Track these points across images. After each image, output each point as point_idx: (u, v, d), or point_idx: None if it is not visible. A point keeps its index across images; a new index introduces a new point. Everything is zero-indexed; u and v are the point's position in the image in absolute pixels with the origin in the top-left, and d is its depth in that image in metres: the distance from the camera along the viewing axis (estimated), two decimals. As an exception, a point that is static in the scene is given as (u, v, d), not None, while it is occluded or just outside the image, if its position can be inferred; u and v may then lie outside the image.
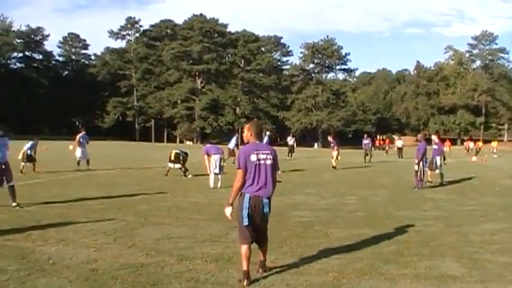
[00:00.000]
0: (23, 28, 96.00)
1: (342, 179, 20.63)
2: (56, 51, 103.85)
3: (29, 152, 19.81)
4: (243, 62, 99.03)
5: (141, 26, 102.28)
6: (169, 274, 6.27)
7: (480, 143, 60.97)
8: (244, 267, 5.95)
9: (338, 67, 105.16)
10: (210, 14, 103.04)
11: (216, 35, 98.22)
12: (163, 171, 19.88)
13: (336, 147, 26.19)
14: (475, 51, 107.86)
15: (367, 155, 33.68)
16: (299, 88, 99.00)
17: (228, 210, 6.03)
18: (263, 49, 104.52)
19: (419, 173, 16.93)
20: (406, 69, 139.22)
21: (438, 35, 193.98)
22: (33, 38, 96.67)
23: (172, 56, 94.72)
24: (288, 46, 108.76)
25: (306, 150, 55.71)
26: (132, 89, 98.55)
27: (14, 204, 11.03)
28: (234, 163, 5.81)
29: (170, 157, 19.69)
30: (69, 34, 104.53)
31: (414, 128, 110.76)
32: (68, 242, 7.84)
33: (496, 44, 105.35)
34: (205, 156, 16.58)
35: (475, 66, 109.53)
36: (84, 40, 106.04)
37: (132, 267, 6.52)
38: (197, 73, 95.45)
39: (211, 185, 16.01)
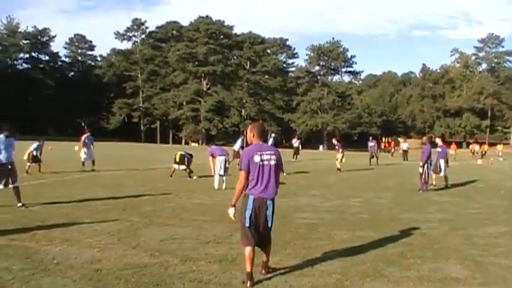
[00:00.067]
0: (30, 29, 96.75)
1: (346, 181, 20.61)
2: (62, 52, 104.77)
3: (34, 152, 19.86)
4: (248, 63, 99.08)
5: (147, 28, 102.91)
6: (173, 275, 6.29)
7: (486, 146, 60.90)
8: (248, 269, 5.95)
9: (344, 69, 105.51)
10: (216, 16, 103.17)
11: (221, 36, 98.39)
12: (168, 172, 19.91)
13: (340, 150, 26.17)
14: (481, 54, 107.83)
15: (372, 157, 33.59)
16: (304, 90, 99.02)
17: (231, 211, 6.05)
18: (269, 51, 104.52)
19: (424, 176, 16.92)
20: (411, 72, 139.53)
21: (444, 37, 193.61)
22: (39, 39, 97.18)
23: (178, 57, 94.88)
24: (294, 48, 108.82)
25: (311, 153, 55.66)
26: (138, 91, 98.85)
27: (19, 204, 11.07)
28: (238, 165, 5.89)
29: (175, 159, 19.70)
30: (75, 35, 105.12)
31: (420, 131, 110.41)
32: (72, 242, 7.87)
33: (503, 46, 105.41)
34: (210, 158, 16.61)
35: (481, 69, 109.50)
36: (90, 41, 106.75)
37: (136, 267, 6.54)
38: (203, 75, 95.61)
39: (216, 186, 16.04)
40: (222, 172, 16.19)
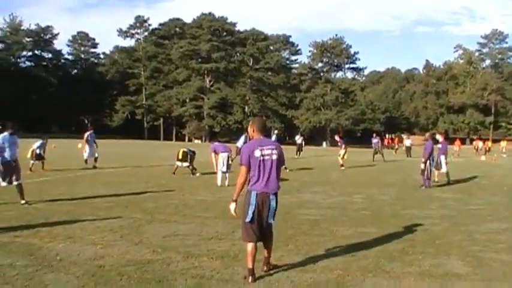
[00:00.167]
0: (33, 27, 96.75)
1: (349, 178, 20.62)
2: (65, 50, 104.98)
3: (38, 151, 19.94)
4: (251, 60, 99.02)
5: (149, 25, 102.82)
6: (175, 271, 6.32)
7: (489, 143, 60.75)
8: (249, 265, 5.98)
9: (347, 66, 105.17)
10: (219, 13, 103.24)
11: (224, 33, 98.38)
12: (171, 169, 19.96)
13: (343, 146, 26.15)
14: (484, 50, 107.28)
15: (376, 153, 33.64)
16: (308, 87, 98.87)
17: (232, 206, 6.06)
18: (272, 48, 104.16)
19: (426, 172, 16.92)
20: (415, 68, 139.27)
21: (448, 33, 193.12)
22: (42, 37, 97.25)
23: (181, 54, 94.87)
24: (297, 45, 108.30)
25: (314, 149, 55.71)
26: (141, 88, 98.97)
27: (23, 201, 11.13)
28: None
29: (178, 156, 19.72)
30: (78, 33, 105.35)
31: (423, 127, 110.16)
32: (75, 239, 7.92)
33: (506, 42, 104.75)
34: (213, 154, 16.68)
35: (484, 65, 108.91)
36: (93, 39, 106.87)
37: (139, 263, 6.58)
38: (206, 72, 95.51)
39: (219, 183, 16.08)
40: (224, 169, 16.23)
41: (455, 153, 46.86)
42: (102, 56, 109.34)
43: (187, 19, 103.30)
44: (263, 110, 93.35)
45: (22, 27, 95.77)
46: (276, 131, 31.71)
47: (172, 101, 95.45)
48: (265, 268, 6.33)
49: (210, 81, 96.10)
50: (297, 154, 35.17)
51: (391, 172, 24.44)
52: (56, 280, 5.84)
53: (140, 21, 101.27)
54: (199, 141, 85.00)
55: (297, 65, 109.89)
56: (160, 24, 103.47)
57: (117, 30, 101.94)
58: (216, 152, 16.58)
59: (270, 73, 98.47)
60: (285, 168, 19.83)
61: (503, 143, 57.24)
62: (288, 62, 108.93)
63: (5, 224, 8.88)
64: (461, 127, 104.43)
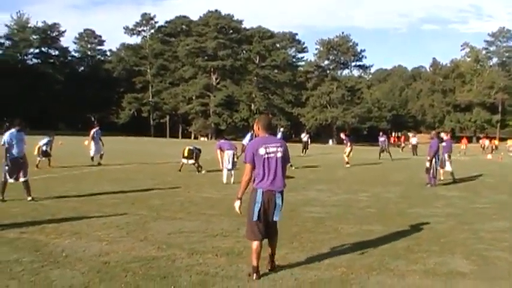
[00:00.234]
0: (40, 24, 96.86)
1: (355, 176, 20.60)
2: (72, 47, 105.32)
3: (44, 148, 19.99)
4: (258, 58, 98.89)
5: (156, 22, 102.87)
6: (180, 267, 6.35)
7: (496, 141, 60.48)
8: (254, 263, 5.99)
9: (353, 63, 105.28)
10: (225, 10, 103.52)
11: (231, 31, 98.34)
12: (177, 166, 20.00)
13: (349, 144, 26.13)
14: (491, 48, 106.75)
15: (383, 151, 33.63)
16: (314, 84, 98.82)
17: (237, 204, 6.07)
18: (278, 45, 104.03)
19: (432, 171, 16.90)
20: (422, 66, 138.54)
21: (454, 31, 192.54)
22: (49, 34, 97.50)
23: (187, 52, 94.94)
24: (303, 42, 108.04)
25: (320, 147, 55.61)
26: (147, 85, 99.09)
27: (29, 198, 11.18)
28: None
29: (184, 153, 19.75)
30: (84, 30, 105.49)
31: (430, 126, 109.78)
32: (81, 235, 7.96)
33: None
34: (218, 151, 16.70)
35: (491, 64, 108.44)
36: (100, 36, 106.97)
37: (144, 260, 6.61)
38: (212, 69, 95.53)
39: (224, 180, 16.10)
40: (230, 166, 16.25)
41: (461, 152, 46.77)
42: (108, 53, 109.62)
43: (194, 17, 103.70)
44: (269, 108, 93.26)
45: (29, 25, 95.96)
46: (282, 129, 31.77)
47: (179, 98, 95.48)
48: (269, 267, 6.32)
49: (216, 79, 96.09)
50: (302, 152, 35.13)
51: (397, 170, 24.40)
52: (62, 276, 5.88)
53: (146, 19, 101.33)
54: (206, 139, 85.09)
55: (303, 63, 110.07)
56: (166, 22, 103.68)
57: (124, 28, 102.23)
58: (221, 150, 16.62)
59: (276, 71, 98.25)
60: (291, 165, 19.85)
61: (510, 142, 56.98)
62: (294, 59, 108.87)
63: (12, 220, 8.94)
64: (467, 125, 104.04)
